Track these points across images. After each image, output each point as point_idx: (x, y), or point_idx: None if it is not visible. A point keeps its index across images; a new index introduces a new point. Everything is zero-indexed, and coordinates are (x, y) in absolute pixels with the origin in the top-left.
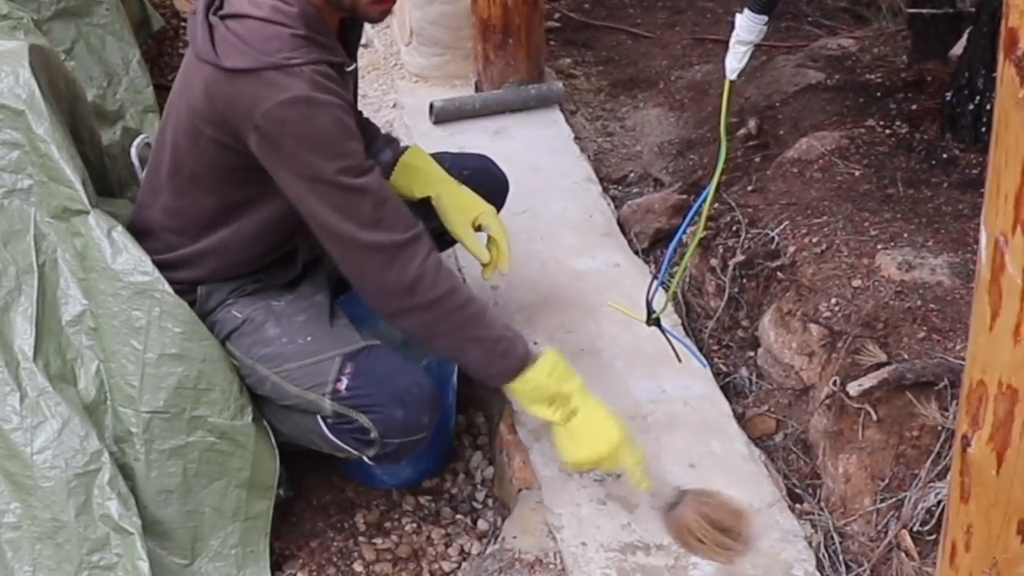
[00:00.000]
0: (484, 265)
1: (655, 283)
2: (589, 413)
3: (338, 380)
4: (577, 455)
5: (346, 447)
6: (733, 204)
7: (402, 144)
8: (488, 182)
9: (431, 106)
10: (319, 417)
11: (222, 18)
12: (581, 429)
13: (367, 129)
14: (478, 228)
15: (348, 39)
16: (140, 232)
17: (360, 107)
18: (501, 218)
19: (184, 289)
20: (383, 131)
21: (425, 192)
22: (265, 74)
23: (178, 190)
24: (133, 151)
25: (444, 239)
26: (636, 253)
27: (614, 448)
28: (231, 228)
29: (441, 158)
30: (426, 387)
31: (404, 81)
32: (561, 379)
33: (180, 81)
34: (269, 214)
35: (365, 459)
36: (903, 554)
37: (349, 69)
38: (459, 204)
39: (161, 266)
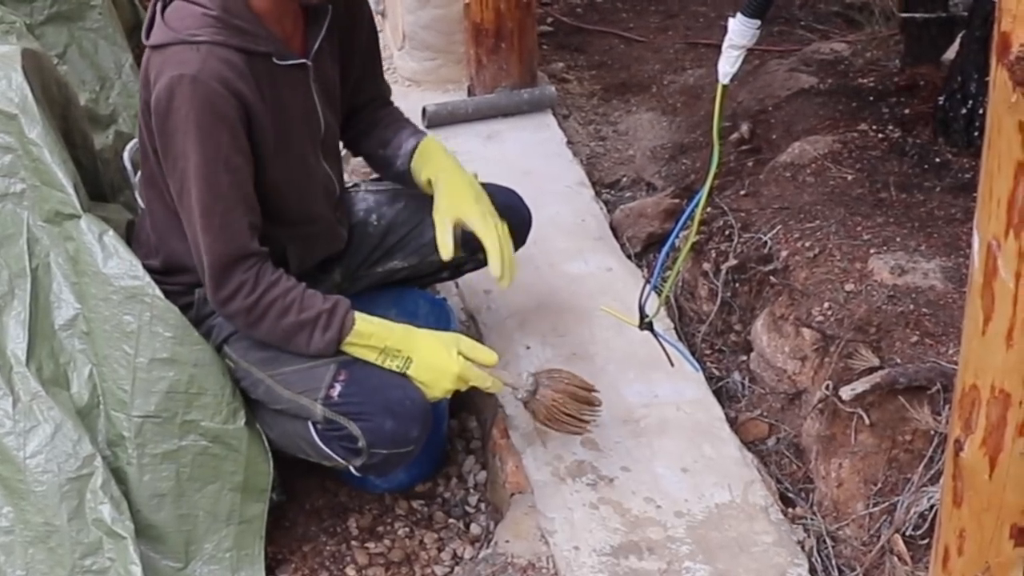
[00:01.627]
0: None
1: (648, 287)
2: (422, 357)
3: (331, 386)
4: (432, 395)
5: (334, 455)
6: (726, 208)
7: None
8: (514, 218)
9: (424, 110)
10: (310, 423)
11: (163, 4)
12: (423, 374)
13: (393, 126)
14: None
15: (309, 35)
16: (137, 235)
17: None
18: (498, 222)
19: (181, 291)
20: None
21: (429, 174)
22: (169, 48)
23: (154, 191)
24: (126, 155)
25: (462, 269)
26: (629, 257)
27: (456, 379)
28: None
29: None
30: (418, 401)
31: (397, 85)
32: (381, 338)
33: None
34: None
35: (352, 469)
36: (896, 559)
37: (286, 63)
38: (452, 191)
39: (155, 270)
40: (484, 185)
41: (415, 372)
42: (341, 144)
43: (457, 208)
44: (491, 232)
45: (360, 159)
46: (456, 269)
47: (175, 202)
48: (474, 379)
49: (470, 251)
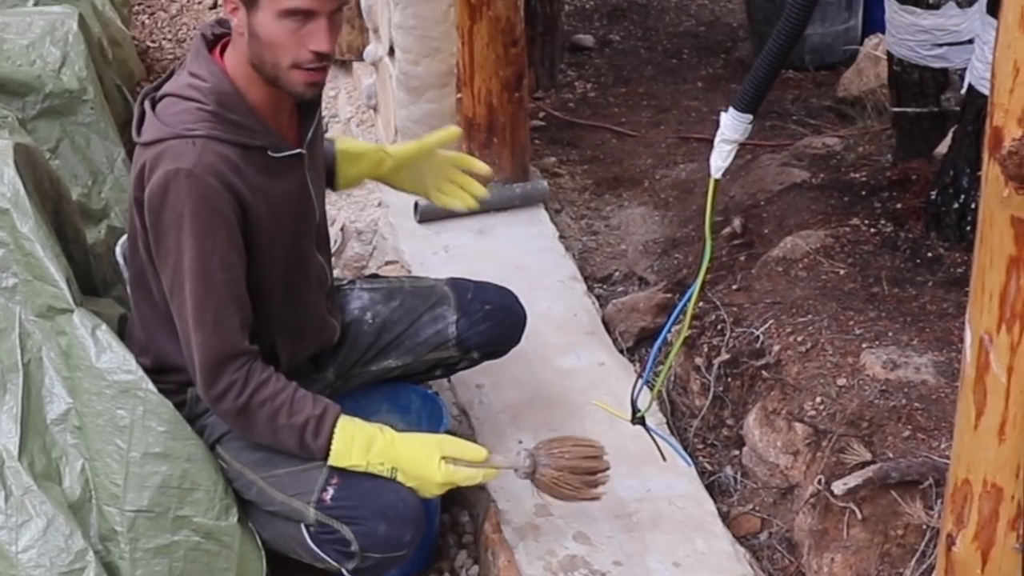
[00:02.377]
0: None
1: (640, 382)
2: (408, 467)
3: (324, 490)
4: (426, 496)
5: (327, 558)
6: (718, 303)
7: None
8: (509, 319)
9: (416, 205)
10: (302, 525)
11: (152, 101)
12: (409, 482)
13: None
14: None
15: (303, 124)
16: (129, 332)
17: (344, 204)
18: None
19: (174, 390)
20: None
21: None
22: (164, 143)
23: (142, 291)
24: (118, 250)
25: (455, 368)
26: (621, 352)
27: (440, 487)
28: None
29: (464, 286)
30: (411, 504)
31: None
32: (363, 452)
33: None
34: None
35: (344, 572)
36: None
37: (280, 155)
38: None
39: (147, 368)
40: (480, 284)
41: (403, 479)
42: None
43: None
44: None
45: (353, 254)
46: (450, 368)
47: (167, 297)
48: (461, 481)
49: (463, 350)
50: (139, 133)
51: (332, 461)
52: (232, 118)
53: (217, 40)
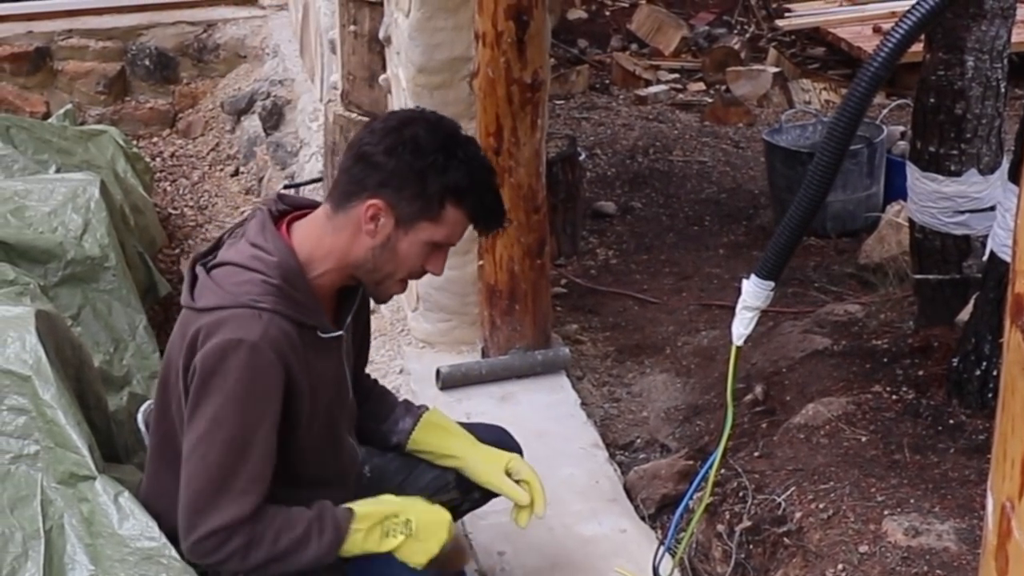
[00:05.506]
0: (520, 509)
1: (662, 549)
2: (418, 512)
3: None
4: (429, 550)
5: None
6: (740, 470)
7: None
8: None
9: (437, 372)
10: None
11: (207, 268)
12: (422, 531)
13: (383, 400)
14: (508, 474)
15: (341, 307)
16: (151, 498)
17: (367, 371)
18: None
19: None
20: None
21: (448, 450)
22: (228, 311)
23: (165, 459)
24: (140, 417)
25: (459, 510)
26: (643, 519)
27: (451, 525)
28: None
29: None
30: None
31: (411, 347)
32: (379, 512)
33: (171, 337)
34: None
35: None
36: None
37: (326, 336)
38: (487, 458)
39: (171, 535)
40: (467, 424)
41: (416, 529)
42: None
43: (500, 465)
44: (534, 474)
45: None
46: (454, 511)
47: (185, 458)
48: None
49: (464, 491)
50: (193, 298)
51: (355, 524)
52: (295, 295)
53: (282, 216)
